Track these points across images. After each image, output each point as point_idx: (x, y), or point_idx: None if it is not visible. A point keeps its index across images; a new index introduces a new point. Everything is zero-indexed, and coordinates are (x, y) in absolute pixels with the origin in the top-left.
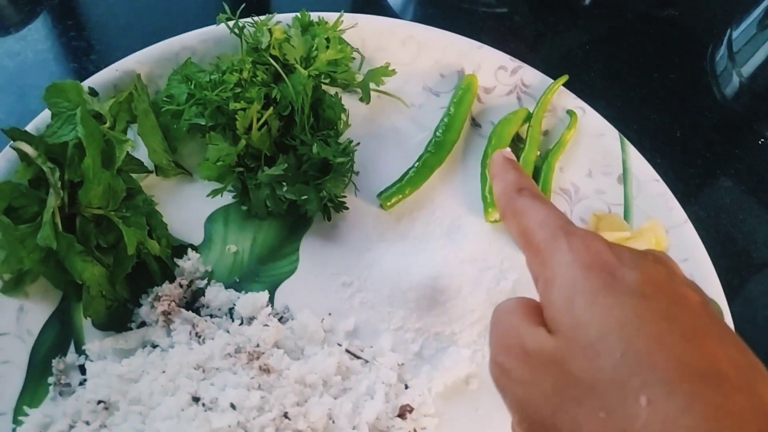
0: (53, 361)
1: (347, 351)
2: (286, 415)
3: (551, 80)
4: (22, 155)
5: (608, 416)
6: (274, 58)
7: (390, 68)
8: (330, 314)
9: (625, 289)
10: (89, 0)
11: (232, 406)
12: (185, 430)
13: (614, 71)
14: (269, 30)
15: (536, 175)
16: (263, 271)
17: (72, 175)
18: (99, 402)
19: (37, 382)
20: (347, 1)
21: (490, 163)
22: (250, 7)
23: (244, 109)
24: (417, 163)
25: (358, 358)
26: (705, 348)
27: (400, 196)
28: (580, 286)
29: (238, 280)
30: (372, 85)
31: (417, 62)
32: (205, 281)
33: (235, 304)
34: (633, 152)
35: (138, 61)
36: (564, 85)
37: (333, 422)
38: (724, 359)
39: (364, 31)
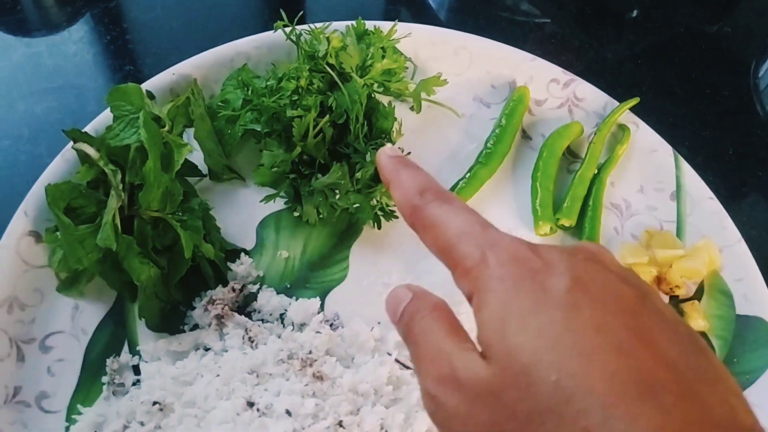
0: (107, 360)
1: (397, 361)
2: (340, 424)
3: (605, 94)
4: (83, 156)
5: None
6: (331, 66)
7: (441, 78)
8: (380, 323)
9: (554, 302)
10: (143, 3)
11: (288, 412)
12: None
13: (665, 86)
14: (327, 38)
15: (588, 190)
16: (314, 278)
17: (132, 177)
18: (154, 403)
19: (91, 381)
20: (378, 8)
21: (378, 167)
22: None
23: (300, 117)
24: (467, 174)
25: (409, 368)
26: (641, 357)
27: None
28: (512, 307)
29: (289, 286)
30: (423, 95)
31: (468, 73)
32: (257, 286)
33: (286, 310)
34: (687, 169)
35: (194, 66)
36: (615, 98)
37: None
38: (662, 367)
39: (417, 41)
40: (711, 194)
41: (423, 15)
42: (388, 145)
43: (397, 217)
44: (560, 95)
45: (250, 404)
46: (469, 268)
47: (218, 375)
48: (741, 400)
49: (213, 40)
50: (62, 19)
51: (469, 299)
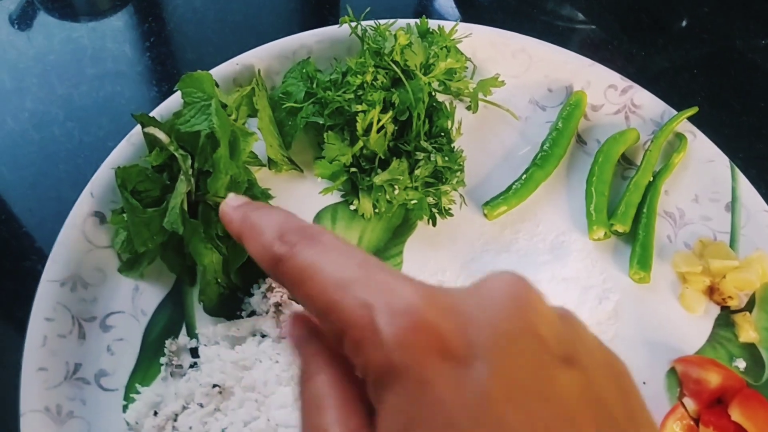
0: (166, 342)
1: None
2: None
3: (663, 103)
4: (151, 141)
5: None
6: (395, 63)
7: (499, 79)
8: None
9: (475, 408)
10: None
11: None
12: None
13: (721, 98)
14: (394, 35)
15: (642, 198)
16: None
17: (201, 163)
18: (214, 386)
19: (149, 361)
20: (408, 8)
21: (223, 222)
22: (322, 10)
23: (364, 112)
24: (523, 176)
25: None
26: None
27: (505, 208)
28: (412, 417)
29: None
30: (480, 95)
31: (526, 75)
32: None
33: None
34: (743, 180)
35: (257, 57)
36: (670, 106)
37: None
38: None
39: (476, 42)
40: (766, 207)
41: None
42: (231, 194)
43: (452, 215)
44: (617, 101)
45: None
46: (351, 340)
47: (277, 361)
48: None
49: (272, 35)
50: (120, 6)
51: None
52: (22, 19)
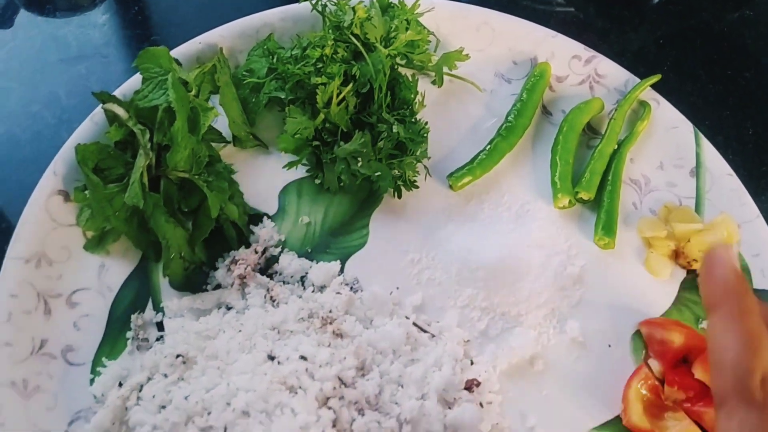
0: (132, 316)
1: (414, 324)
2: (357, 371)
3: (626, 71)
4: (112, 117)
5: None
6: (355, 36)
7: (464, 53)
8: (398, 288)
9: None
10: None
11: (303, 357)
12: (259, 383)
13: (687, 68)
14: (353, 9)
15: (607, 165)
16: (334, 243)
17: (160, 138)
18: (177, 356)
19: (116, 336)
20: None
21: (707, 279)
22: None
23: (324, 84)
24: (488, 147)
25: (425, 332)
26: None
27: (470, 178)
28: None
29: (310, 251)
30: (445, 69)
31: (490, 48)
32: (279, 249)
33: (307, 273)
34: (707, 146)
35: (220, 35)
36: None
37: (401, 387)
38: None
39: (439, 16)
40: (731, 171)
41: None
42: (721, 246)
43: (417, 188)
44: (581, 72)
45: (271, 357)
46: None
47: (240, 331)
48: None
49: (235, 15)
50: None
51: None
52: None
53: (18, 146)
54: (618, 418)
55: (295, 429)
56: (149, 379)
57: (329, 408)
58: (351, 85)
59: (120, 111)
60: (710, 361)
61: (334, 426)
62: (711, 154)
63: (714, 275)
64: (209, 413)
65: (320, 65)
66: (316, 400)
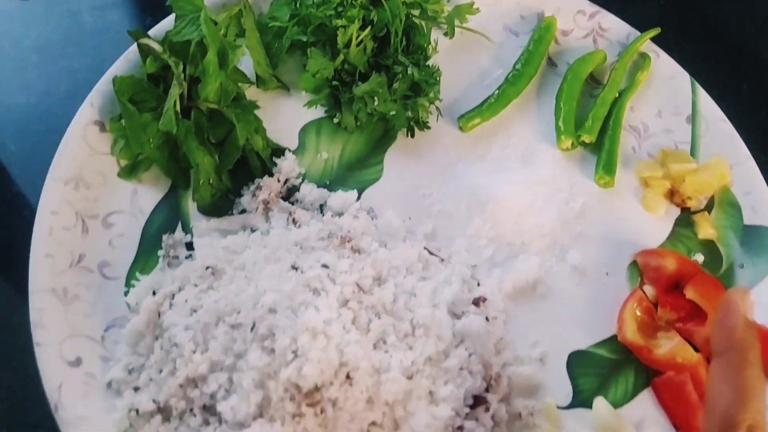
0: (163, 236)
1: (425, 249)
2: (373, 281)
3: (628, 26)
4: (146, 53)
5: None
6: None
7: (474, 6)
8: (410, 218)
9: None
10: None
11: (324, 265)
12: (285, 286)
13: (687, 26)
14: None
15: (608, 112)
16: (351, 177)
17: (192, 70)
18: (207, 268)
19: (148, 254)
20: None
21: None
22: None
23: (345, 27)
24: (496, 92)
25: (436, 255)
26: None
27: (479, 120)
28: None
29: (328, 183)
30: (456, 22)
31: (499, 3)
32: (300, 180)
33: (326, 201)
34: (703, 95)
35: None
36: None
37: (414, 296)
38: None
39: None
40: (724, 117)
41: None
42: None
43: (429, 128)
44: (586, 26)
45: (294, 268)
46: None
47: (265, 246)
48: None
49: None
50: None
51: None
52: None
53: (34, 117)
54: (614, 337)
55: (319, 323)
56: (180, 289)
57: (349, 308)
58: (369, 29)
59: (155, 45)
60: (705, 405)
61: (353, 323)
62: (706, 102)
63: (725, 323)
64: (238, 312)
65: (340, 9)
66: (337, 301)
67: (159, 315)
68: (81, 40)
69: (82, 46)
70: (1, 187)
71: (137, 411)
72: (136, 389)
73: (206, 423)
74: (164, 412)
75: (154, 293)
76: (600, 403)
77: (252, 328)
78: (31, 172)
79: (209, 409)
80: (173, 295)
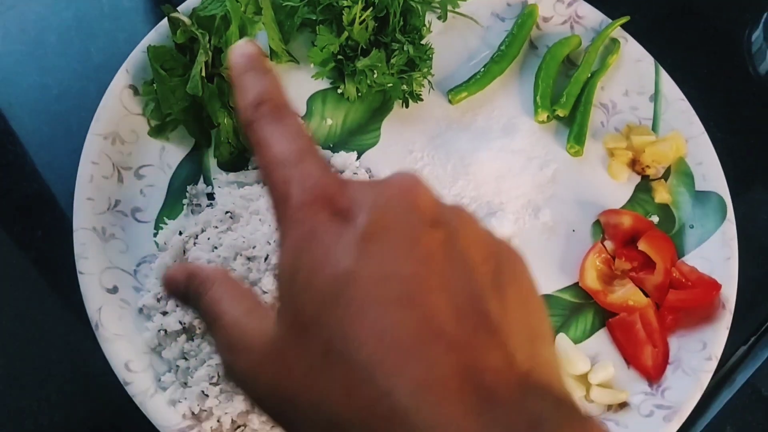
0: (188, 187)
1: None
2: None
3: (602, 14)
4: (175, 27)
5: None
6: None
7: None
8: None
9: (344, 252)
10: None
11: None
12: None
13: (654, 15)
14: None
15: (581, 90)
16: (351, 141)
17: (216, 41)
18: (226, 212)
19: (174, 202)
20: None
21: (230, 60)
22: None
23: (349, 7)
24: (482, 69)
25: None
26: (419, 310)
27: (466, 94)
28: (303, 257)
29: (331, 146)
30: (449, 7)
31: None
32: None
33: (329, 160)
34: (665, 76)
35: None
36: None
37: None
38: (442, 318)
39: None
40: (683, 96)
41: None
42: (243, 39)
43: (422, 100)
44: (564, 13)
45: None
46: (275, 203)
47: None
48: (530, 346)
49: None
50: None
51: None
52: None
53: (50, 98)
54: (576, 284)
55: None
56: (203, 230)
57: None
58: (370, 10)
59: (184, 18)
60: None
61: None
62: (667, 83)
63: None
64: (254, 247)
65: None
66: None
67: (184, 252)
68: (97, 23)
69: (97, 29)
70: (22, 166)
71: (165, 331)
72: (164, 314)
73: None
74: (189, 332)
75: (180, 233)
76: (562, 338)
77: (265, 259)
78: (47, 150)
79: None
80: (197, 236)
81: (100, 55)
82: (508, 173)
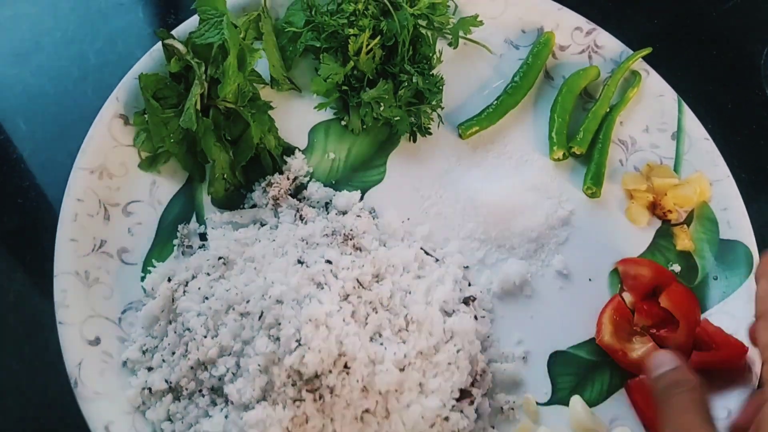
0: (179, 226)
1: (422, 249)
2: (375, 276)
3: (622, 44)
4: (170, 53)
5: None
6: None
7: (478, 19)
8: (408, 219)
9: None
10: None
11: (328, 261)
12: (291, 279)
13: (677, 46)
14: None
15: (599, 126)
16: (355, 177)
17: (213, 71)
18: (219, 258)
19: (164, 242)
20: None
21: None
22: None
23: (356, 35)
24: (495, 102)
25: (431, 255)
26: None
27: (478, 128)
28: None
29: (334, 182)
30: (460, 33)
31: (502, 17)
32: (308, 179)
33: (331, 200)
34: (688, 113)
35: None
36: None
37: (410, 293)
38: None
39: None
40: (707, 135)
41: None
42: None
43: (431, 134)
44: (582, 42)
45: (300, 262)
46: None
47: (274, 240)
48: None
49: None
50: None
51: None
52: None
53: (47, 100)
54: (592, 340)
55: (321, 315)
56: (194, 277)
57: (349, 302)
58: (378, 38)
59: (180, 46)
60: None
61: (352, 317)
62: (691, 121)
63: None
64: (247, 301)
65: (353, 18)
66: (339, 295)
67: (173, 300)
68: (93, 25)
69: (94, 31)
70: (15, 169)
71: (150, 389)
72: (149, 369)
73: (213, 403)
74: (175, 391)
75: (169, 279)
76: (576, 401)
77: (260, 317)
78: (42, 152)
79: (217, 391)
80: (187, 283)
81: (98, 57)
82: (521, 215)
